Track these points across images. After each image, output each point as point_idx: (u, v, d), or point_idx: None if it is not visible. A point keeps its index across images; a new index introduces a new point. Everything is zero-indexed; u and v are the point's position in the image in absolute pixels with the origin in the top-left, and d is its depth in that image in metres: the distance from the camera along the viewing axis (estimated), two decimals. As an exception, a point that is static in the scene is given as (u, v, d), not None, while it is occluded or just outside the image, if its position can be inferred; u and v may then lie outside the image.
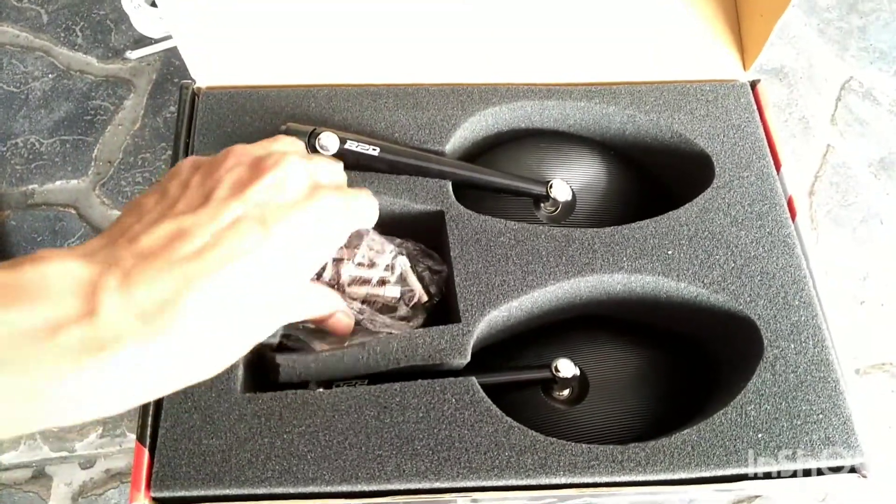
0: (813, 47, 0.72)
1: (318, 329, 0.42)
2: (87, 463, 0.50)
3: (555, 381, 0.44)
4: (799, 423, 0.40)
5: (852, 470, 0.39)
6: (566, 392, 0.45)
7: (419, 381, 0.40)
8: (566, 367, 0.43)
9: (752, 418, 0.40)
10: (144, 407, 0.39)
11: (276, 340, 0.42)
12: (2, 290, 0.20)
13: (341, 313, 0.39)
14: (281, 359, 0.40)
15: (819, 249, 0.46)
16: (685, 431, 0.39)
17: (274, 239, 0.27)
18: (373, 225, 0.37)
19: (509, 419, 0.39)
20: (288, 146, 0.33)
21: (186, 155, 0.47)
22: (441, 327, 0.42)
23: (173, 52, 0.63)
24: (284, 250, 0.28)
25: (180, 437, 0.38)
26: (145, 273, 0.23)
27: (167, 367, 0.23)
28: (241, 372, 0.40)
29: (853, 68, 0.71)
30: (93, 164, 0.58)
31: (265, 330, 0.29)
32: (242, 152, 0.31)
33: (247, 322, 0.27)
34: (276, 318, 0.29)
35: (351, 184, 0.44)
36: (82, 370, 0.20)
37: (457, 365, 0.41)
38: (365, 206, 0.36)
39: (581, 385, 0.45)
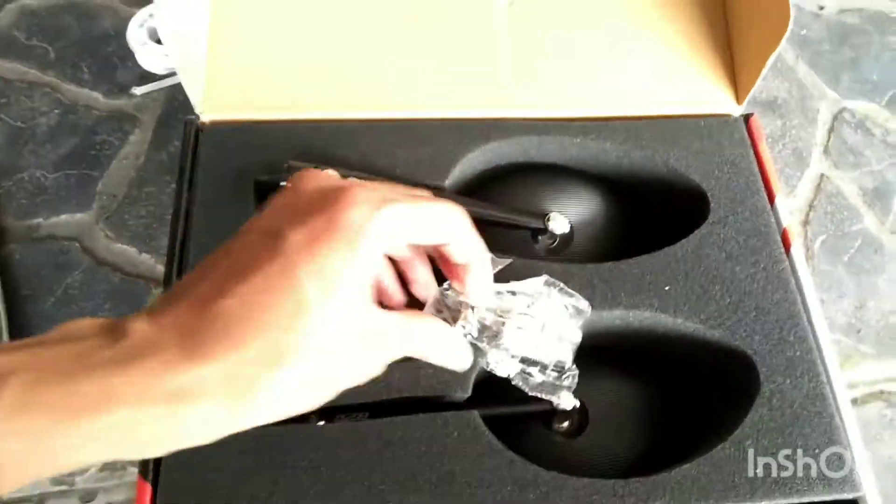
0: (805, 79, 0.73)
1: None
2: (88, 496, 0.50)
3: (555, 413, 0.44)
4: (796, 458, 0.40)
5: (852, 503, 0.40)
6: (566, 424, 0.45)
7: (421, 414, 0.40)
8: (566, 400, 0.44)
9: (748, 453, 0.40)
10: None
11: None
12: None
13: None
14: None
15: (814, 279, 0.47)
16: (685, 466, 0.39)
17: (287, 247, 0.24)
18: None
19: (511, 453, 0.39)
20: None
21: (190, 190, 0.48)
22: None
23: (178, 88, 0.64)
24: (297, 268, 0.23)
25: (183, 472, 0.38)
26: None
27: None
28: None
29: (845, 99, 0.72)
30: (97, 197, 0.59)
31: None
32: (307, 182, 0.28)
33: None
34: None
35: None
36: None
37: (458, 398, 0.42)
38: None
39: (581, 417, 0.45)
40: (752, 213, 0.49)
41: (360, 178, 0.44)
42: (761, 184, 0.51)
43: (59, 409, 0.20)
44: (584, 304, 0.39)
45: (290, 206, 0.26)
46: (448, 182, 0.49)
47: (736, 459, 0.40)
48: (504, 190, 0.52)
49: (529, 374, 0.38)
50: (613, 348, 0.48)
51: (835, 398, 0.42)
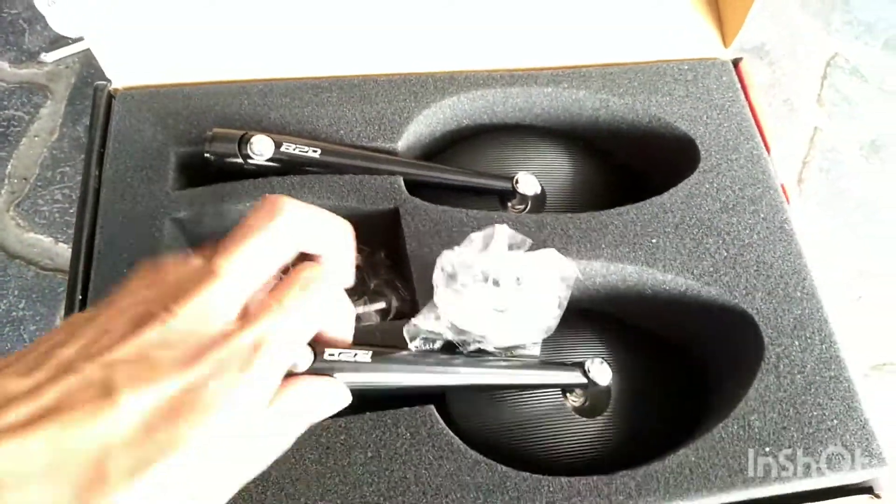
0: (795, 22, 0.68)
1: None
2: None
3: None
4: (811, 431, 0.35)
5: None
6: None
7: (367, 413, 0.35)
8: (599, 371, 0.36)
9: (756, 430, 0.35)
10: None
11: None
12: None
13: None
14: None
15: (811, 241, 0.42)
16: (680, 451, 0.34)
17: (116, 413, 0.19)
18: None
19: (474, 453, 0.34)
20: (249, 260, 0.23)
21: (100, 167, 0.42)
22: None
23: (97, 53, 0.58)
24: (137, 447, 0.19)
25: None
26: None
27: None
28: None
29: (838, 43, 0.67)
30: (6, 181, 0.53)
31: None
32: (153, 277, 0.22)
33: None
34: None
35: (292, 188, 0.40)
36: None
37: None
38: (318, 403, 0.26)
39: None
40: (746, 160, 0.45)
41: (295, 143, 0.41)
42: (755, 130, 0.46)
43: None
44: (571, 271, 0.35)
45: (138, 337, 0.20)
46: (401, 145, 0.45)
47: (740, 438, 0.35)
48: (465, 153, 0.47)
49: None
50: (597, 311, 0.42)
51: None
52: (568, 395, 0.38)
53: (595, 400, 0.38)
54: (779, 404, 0.36)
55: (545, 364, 0.35)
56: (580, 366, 0.36)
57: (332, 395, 0.26)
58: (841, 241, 0.58)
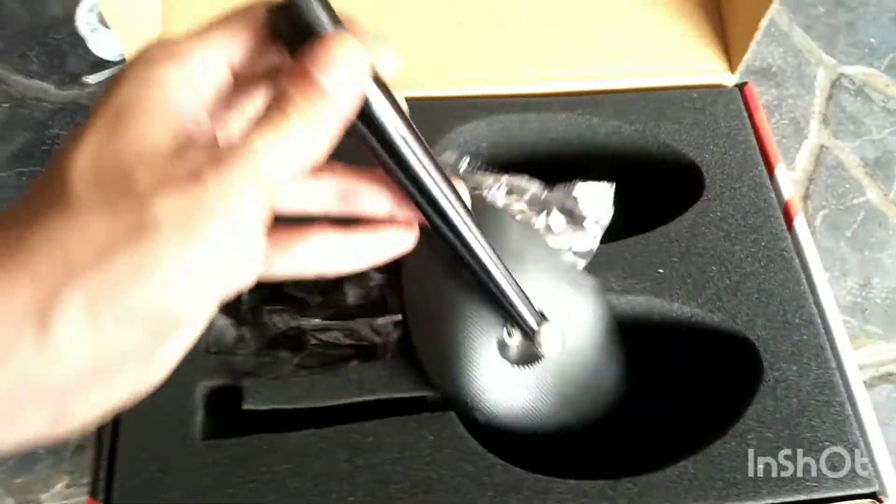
0: (800, 45, 0.70)
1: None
2: (54, 514, 0.47)
3: None
4: (803, 451, 0.37)
5: (871, 496, 0.37)
6: None
7: (394, 417, 0.38)
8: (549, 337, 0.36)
9: (752, 448, 0.37)
10: (97, 458, 0.36)
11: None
12: None
13: None
14: (247, 383, 0.38)
15: (816, 256, 0.44)
16: (681, 463, 0.37)
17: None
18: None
19: (491, 455, 0.37)
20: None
21: None
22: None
23: (135, 74, 0.60)
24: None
25: (137, 491, 0.35)
26: None
27: None
28: (200, 417, 0.38)
29: (843, 65, 0.69)
30: (52, 196, 0.55)
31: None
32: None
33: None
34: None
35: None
36: None
37: (437, 397, 0.39)
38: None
39: None
40: (749, 188, 0.46)
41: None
42: (759, 157, 0.48)
43: None
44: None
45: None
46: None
47: (737, 455, 0.37)
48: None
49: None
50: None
51: (846, 385, 0.39)
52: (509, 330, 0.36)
53: (527, 356, 0.36)
54: (774, 425, 0.38)
55: (522, 293, 0.33)
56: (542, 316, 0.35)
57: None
58: (845, 254, 0.60)
